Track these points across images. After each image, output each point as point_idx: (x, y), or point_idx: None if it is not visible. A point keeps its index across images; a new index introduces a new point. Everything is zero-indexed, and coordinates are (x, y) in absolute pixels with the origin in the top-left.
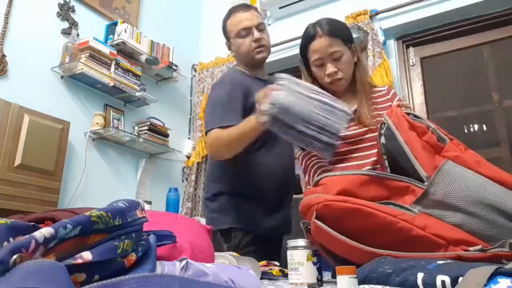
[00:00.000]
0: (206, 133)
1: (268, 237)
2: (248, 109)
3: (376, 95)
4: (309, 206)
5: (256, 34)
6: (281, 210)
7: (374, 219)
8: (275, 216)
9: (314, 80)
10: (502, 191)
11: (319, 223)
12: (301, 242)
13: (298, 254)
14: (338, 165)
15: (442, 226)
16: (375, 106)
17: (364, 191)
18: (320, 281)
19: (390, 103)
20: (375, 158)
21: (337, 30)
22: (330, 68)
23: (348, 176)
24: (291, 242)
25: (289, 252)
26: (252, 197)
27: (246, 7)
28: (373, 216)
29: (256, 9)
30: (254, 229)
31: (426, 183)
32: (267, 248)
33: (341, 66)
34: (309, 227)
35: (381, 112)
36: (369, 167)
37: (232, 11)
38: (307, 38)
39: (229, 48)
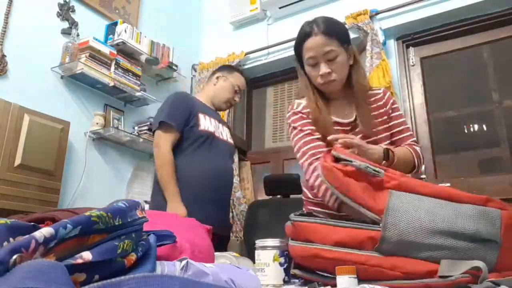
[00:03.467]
0: None
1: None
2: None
3: (372, 99)
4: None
5: (236, 98)
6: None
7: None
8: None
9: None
10: (451, 210)
11: (299, 273)
12: (269, 242)
13: (264, 254)
14: None
15: (410, 262)
16: (373, 113)
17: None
18: (287, 282)
19: (385, 108)
20: None
21: (334, 30)
22: (324, 68)
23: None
24: (260, 242)
25: (256, 252)
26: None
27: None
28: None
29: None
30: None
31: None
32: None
33: (335, 67)
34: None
35: (379, 120)
36: None
37: (233, 69)
38: (302, 35)
39: (216, 80)
